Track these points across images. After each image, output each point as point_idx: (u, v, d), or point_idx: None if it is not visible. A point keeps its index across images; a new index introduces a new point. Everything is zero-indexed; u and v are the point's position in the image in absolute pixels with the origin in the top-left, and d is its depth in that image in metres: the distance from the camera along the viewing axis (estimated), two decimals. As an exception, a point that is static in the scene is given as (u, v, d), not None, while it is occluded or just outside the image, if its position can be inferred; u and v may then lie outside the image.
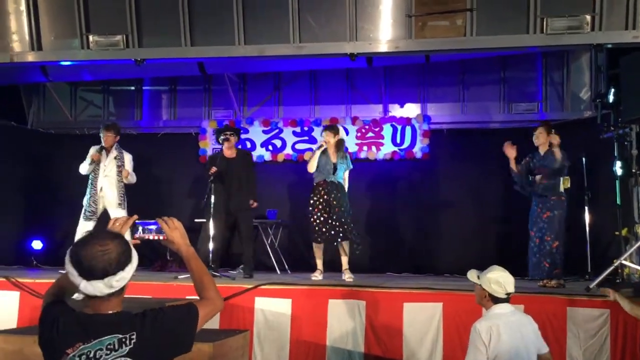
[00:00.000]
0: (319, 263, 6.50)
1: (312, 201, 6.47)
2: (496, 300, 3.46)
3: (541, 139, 6.13)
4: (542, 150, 6.14)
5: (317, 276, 6.34)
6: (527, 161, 6.25)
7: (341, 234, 6.32)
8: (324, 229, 6.35)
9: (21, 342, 4.30)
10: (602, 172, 6.68)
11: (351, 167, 6.67)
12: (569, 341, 4.92)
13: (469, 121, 8.64)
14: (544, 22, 5.67)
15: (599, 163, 6.76)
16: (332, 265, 6.75)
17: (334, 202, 6.37)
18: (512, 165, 6.23)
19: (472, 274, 3.61)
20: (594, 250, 6.83)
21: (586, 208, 6.67)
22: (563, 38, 5.72)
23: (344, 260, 6.44)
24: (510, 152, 6.23)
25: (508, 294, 3.46)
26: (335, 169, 6.47)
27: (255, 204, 6.90)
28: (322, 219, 6.37)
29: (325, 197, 6.40)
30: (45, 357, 2.06)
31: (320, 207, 6.39)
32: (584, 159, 6.79)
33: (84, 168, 6.77)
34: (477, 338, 3.35)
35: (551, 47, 6.18)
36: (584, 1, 5.64)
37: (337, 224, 6.33)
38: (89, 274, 1.99)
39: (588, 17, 5.62)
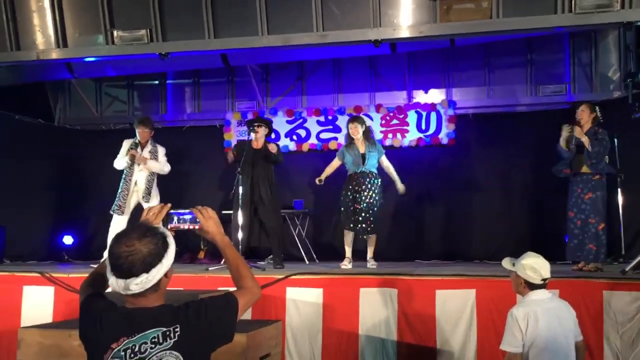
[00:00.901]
0: (348, 251, 6.51)
1: (343, 191, 6.57)
2: (532, 286, 3.42)
3: (585, 117, 5.99)
4: (585, 129, 6.00)
5: (347, 264, 6.35)
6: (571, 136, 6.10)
7: (368, 228, 6.42)
8: (353, 217, 6.42)
9: (57, 336, 4.35)
10: (635, 153, 6.55)
11: (383, 151, 6.72)
12: (606, 325, 4.84)
13: (495, 105, 8.51)
14: (572, 1, 5.53)
15: (631, 144, 6.63)
16: (362, 254, 6.73)
17: (364, 193, 6.44)
18: (563, 144, 6.08)
19: (506, 262, 3.57)
20: (627, 233, 6.72)
21: (619, 190, 6.55)
22: (592, 17, 5.56)
23: (370, 250, 6.56)
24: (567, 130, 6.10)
25: (544, 279, 3.42)
26: (364, 159, 6.49)
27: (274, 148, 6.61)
28: (351, 208, 6.45)
29: (357, 187, 6.47)
30: (88, 350, 2.07)
31: (350, 197, 6.47)
32: (615, 140, 6.65)
33: (120, 164, 6.80)
34: (514, 324, 3.33)
35: (580, 26, 6.03)
36: (613, -22, 5.50)
37: (365, 215, 6.40)
38: (117, 272, 2.01)
39: (618, -5, 5.48)
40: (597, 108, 6.01)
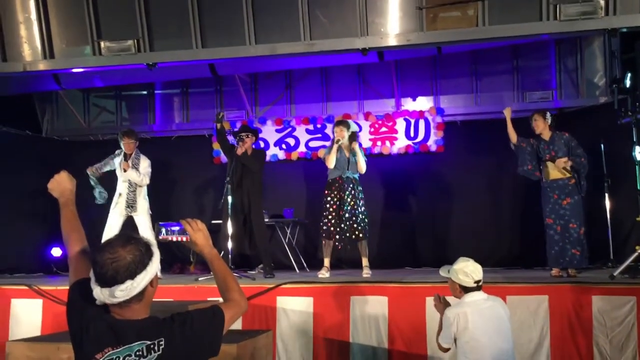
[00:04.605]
0: (326, 261, 6.44)
1: (327, 198, 6.42)
2: (467, 289, 3.62)
3: (540, 125, 6.07)
4: (546, 136, 6.06)
5: (324, 274, 6.27)
6: (532, 142, 6.13)
7: (359, 235, 6.30)
8: (337, 228, 6.30)
9: (46, 350, 4.31)
10: (621, 158, 6.59)
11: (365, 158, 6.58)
12: (595, 330, 4.87)
13: (483, 112, 8.52)
14: (557, 9, 5.58)
15: (617, 149, 6.68)
16: (352, 262, 6.72)
17: (349, 199, 6.33)
18: (510, 130, 6.15)
19: (443, 270, 3.79)
20: (615, 237, 6.77)
21: (606, 194, 6.60)
22: (577, 24, 5.63)
23: (364, 259, 6.44)
24: (508, 112, 6.25)
25: (477, 282, 3.60)
26: (349, 164, 6.43)
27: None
28: (335, 216, 6.32)
29: (341, 193, 6.36)
30: (74, 351, 2.09)
31: (335, 204, 6.35)
32: (602, 145, 6.71)
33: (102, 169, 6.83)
34: (446, 323, 3.57)
35: (565, 33, 6.08)
36: (597, -15, 5.56)
37: (352, 222, 6.28)
38: (101, 281, 2.01)
39: (602, 2, 5.52)
40: (547, 113, 6.09)
